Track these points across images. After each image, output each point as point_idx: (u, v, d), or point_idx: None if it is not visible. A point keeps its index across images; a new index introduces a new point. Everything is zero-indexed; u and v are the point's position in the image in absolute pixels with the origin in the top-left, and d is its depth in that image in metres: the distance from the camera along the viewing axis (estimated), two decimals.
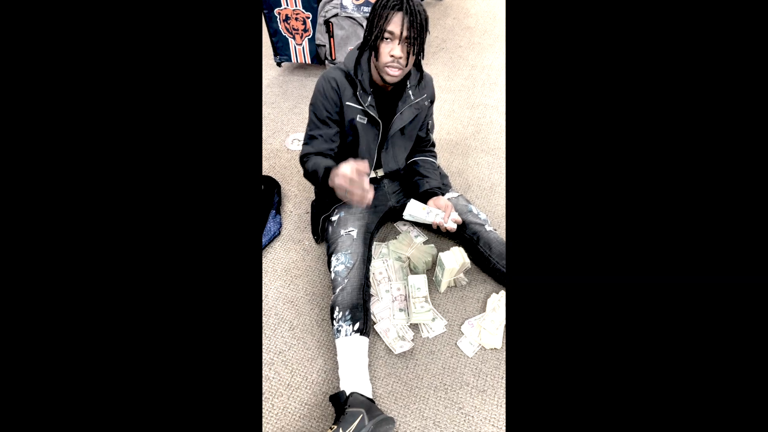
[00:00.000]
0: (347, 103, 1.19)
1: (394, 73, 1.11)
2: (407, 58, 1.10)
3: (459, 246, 1.30)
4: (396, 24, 1.05)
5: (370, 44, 1.11)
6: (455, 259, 1.22)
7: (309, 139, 1.24)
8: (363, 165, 0.92)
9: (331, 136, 1.22)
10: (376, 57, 1.11)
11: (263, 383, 1.13)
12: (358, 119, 1.21)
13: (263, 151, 1.86)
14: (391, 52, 1.08)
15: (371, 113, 1.20)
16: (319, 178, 1.12)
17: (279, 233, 1.52)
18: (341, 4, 1.93)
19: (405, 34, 1.05)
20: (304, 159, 1.24)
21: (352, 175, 0.91)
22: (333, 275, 1.21)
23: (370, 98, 1.18)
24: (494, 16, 2.84)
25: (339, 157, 1.25)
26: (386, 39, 1.07)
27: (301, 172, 1.75)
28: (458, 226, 1.32)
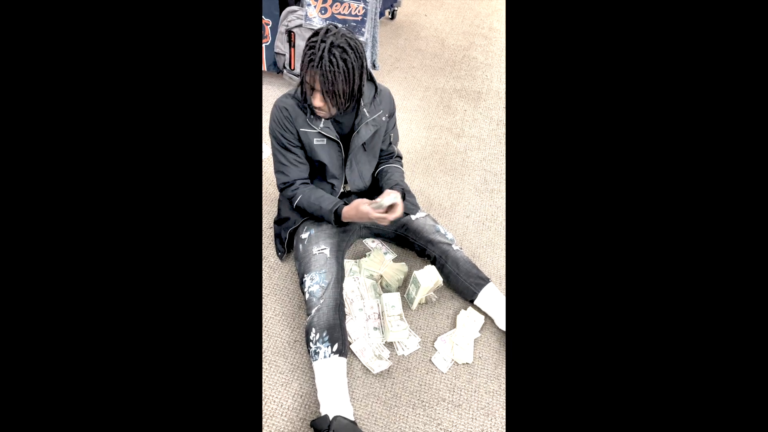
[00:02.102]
0: (301, 129, 1.21)
1: (322, 116, 1.18)
2: (329, 108, 1.13)
3: (430, 264, 1.34)
4: (313, 79, 1.07)
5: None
6: (430, 277, 1.26)
7: (280, 166, 1.26)
8: (375, 204, 1.14)
9: (299, 158, 1.26)
10: None
11: None
12: (316, 142, 1.23)
13: None
14: (313, 102, 1.12)
15: (326, 134, 1.22)
16: (326, 219, 1.24)
17: None
18: (306, 15, 1.90)
19: (321, 88, 1.08)
20: (288, 192, 1.27)
21: (372, 215, 1.14)
22: (307, 296, 1.18)
23: (322, 122, 1.20)
24: (442, 41, 3.00)
25: (310, 178, 1.30)
26: (309, 89, 1.10)
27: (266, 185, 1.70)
28: (426, 244, 1.37)
